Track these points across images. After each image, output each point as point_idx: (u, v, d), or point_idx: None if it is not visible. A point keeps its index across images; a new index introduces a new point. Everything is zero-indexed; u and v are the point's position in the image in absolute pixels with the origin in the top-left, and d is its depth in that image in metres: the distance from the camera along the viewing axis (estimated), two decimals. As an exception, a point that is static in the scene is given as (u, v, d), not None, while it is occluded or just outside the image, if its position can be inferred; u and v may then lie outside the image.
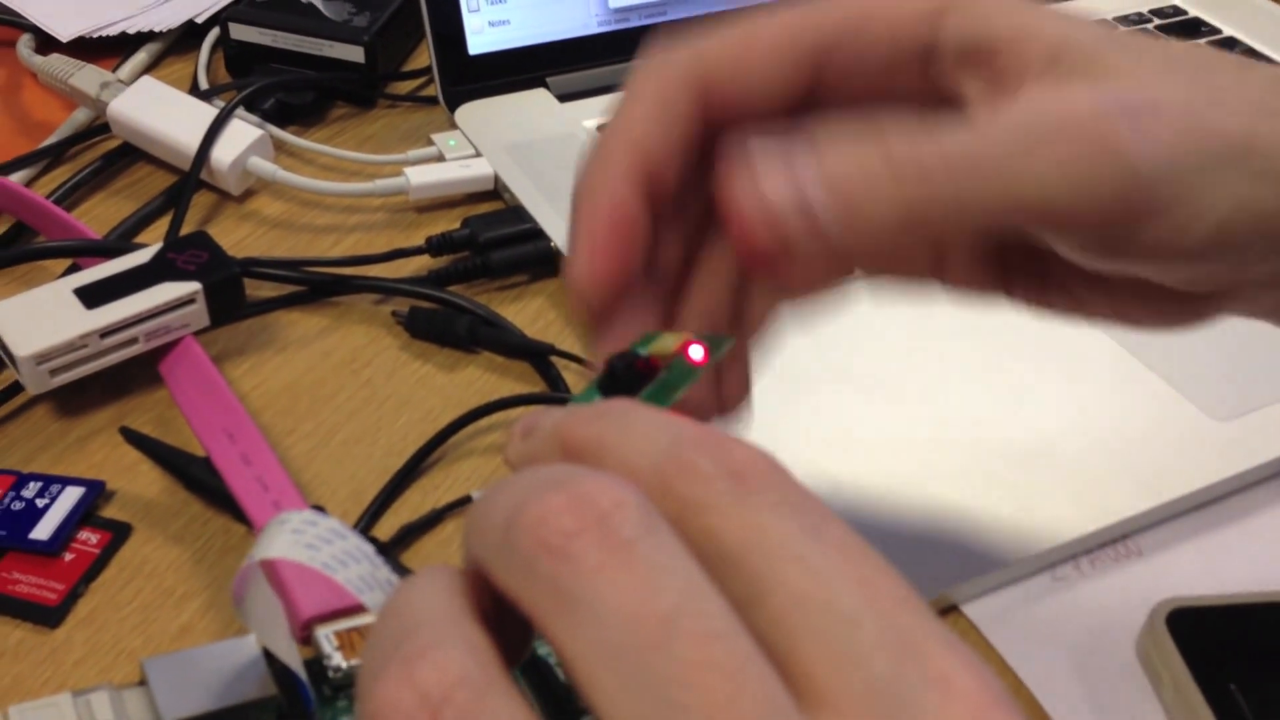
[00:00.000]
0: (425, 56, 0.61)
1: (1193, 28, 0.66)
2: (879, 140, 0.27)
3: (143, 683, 0.33)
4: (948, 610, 0.38)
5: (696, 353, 0.27)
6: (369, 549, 0.33)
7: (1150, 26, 0.66)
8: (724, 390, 0.32)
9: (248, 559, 0.32)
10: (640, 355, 0.28)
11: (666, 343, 0.28)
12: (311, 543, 0.31)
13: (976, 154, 0.26)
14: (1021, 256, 0.32)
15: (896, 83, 0.30)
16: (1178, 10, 0.67)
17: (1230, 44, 0.65)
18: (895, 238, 0.27)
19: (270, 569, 0.38)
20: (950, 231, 0.28)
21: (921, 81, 0.29)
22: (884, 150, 0.26)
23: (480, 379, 0.47)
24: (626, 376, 0.27)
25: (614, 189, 0.28)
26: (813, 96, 0.30)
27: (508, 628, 0.21)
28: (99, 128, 0.57)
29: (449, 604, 0.21)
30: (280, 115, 0.58)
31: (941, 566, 0.38)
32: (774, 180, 0.26)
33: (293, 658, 0.32)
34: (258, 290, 0.49)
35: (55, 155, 0.56)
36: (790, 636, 0.19)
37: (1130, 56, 0.28)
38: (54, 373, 0.43)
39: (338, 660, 0.34)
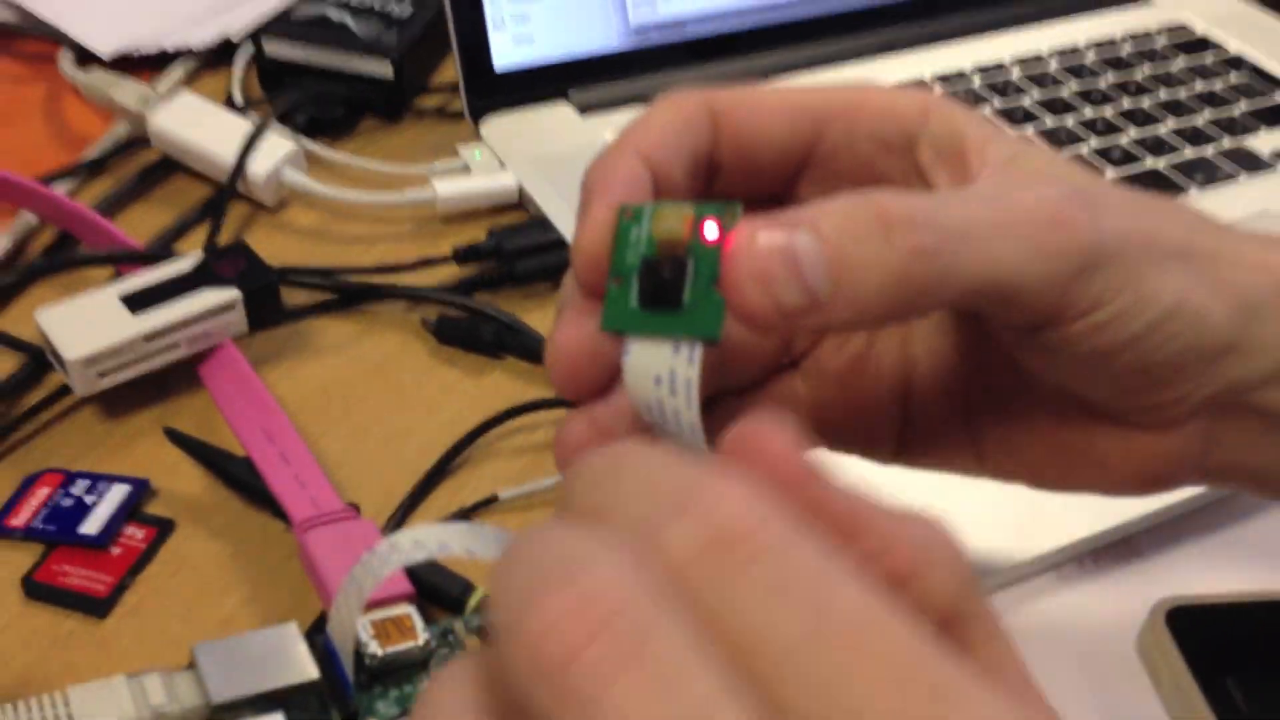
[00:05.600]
0: (452, 72, 0.63)
1: (1200, 47, 0.67)
2: (872, 199, 0.27)
3: (192, 666, 0.35)
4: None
5: (711, 231, 0.25)
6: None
7: (1157, 47, 0.67)
8: None
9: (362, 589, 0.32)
10: (653, 258, 0.25)
11: (670, 223, 0.25)
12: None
13: (962, 221, 0.27)
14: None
15: (882, 163, 0.33)
16: (1186, 29, 0.69)
17: (1237, 63, 0.66)
18: (882, 304, 0.26)
19: (307, 560, 0.39)
20: (929, 305, 0.28)
21: (903, 165, 0.33)
22: (878, 208, 0.26)
23: (505, 384, 0.48)
24: (663, 286, 0.25)
25: (626, 167, 0.30)
26: (806, 163, 0.33)
27: None
28: (139, 140, 0.59)
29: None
30: (311, 128, 0.60)
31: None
32: (767, 233, 0.26)
33: (347, 649, 0.34)
34: (292, 297, 0.51)
35: (97, 167, 0.58)
36: None
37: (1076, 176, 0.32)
38: (101, 375, 0.44)
39: (374, 648, 0.36)
